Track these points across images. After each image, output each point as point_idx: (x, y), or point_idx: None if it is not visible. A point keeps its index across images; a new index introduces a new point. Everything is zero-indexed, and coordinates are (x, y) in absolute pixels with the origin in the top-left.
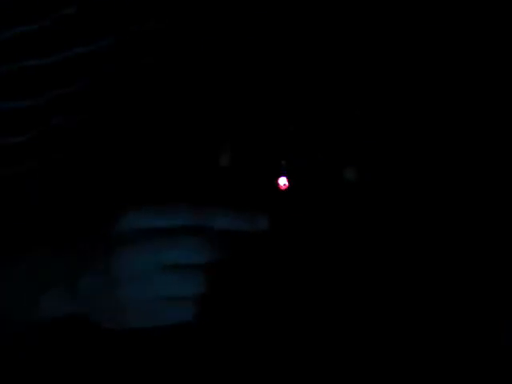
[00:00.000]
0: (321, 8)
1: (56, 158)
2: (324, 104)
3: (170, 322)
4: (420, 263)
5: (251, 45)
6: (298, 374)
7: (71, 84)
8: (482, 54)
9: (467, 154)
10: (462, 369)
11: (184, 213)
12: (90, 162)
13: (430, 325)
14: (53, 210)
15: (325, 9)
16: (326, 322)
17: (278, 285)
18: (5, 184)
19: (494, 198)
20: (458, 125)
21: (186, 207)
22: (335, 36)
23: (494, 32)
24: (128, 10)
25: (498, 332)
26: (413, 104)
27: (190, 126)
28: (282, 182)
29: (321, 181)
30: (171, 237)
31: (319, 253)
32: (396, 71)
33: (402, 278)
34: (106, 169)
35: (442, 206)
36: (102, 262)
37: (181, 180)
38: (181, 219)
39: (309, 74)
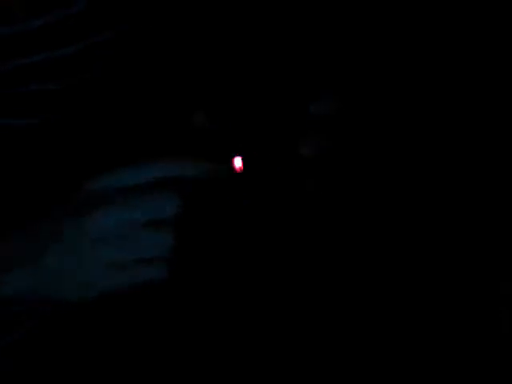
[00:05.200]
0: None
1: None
2: (282, 104)
3: (143, 282)
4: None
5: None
6: (268, 335)
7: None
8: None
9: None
10: (462, 357)
11: (153, 167)
12: (54, 128)
13: (429, 312)
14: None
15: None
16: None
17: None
18: None
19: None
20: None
21: (154, 162)
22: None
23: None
24: (124, 6)
25: (497, 320)
26: (375, 108)
27: (164, 91)
28: (237, 163)
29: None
30: (143, 193)
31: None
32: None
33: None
34: (72, 134)
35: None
36: (71, 228)
37: (147, 140)
38: (151, 173)
39: (269, 71)
